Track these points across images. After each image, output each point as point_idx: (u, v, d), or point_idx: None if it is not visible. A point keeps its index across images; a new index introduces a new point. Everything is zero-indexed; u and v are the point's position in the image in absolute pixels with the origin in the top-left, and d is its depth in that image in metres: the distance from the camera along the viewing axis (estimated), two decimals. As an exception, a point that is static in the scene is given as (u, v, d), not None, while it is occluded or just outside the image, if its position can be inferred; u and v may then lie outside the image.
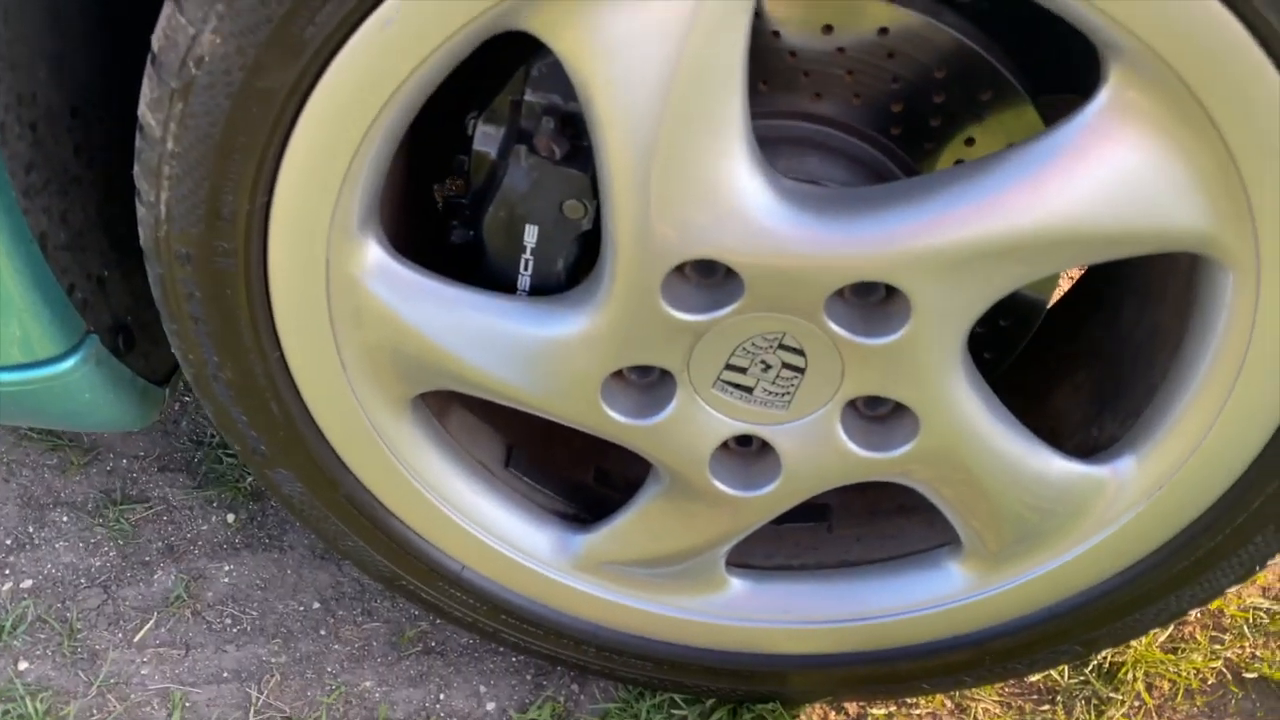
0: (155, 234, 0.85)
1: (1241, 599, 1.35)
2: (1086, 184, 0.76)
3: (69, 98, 0.94)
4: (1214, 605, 1.33)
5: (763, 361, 0.91)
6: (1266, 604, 1.34)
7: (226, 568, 1.42)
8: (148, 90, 0.78)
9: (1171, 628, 1.32)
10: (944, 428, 0.92)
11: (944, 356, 0.87)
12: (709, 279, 0.87)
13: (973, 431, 0.93)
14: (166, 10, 0.74)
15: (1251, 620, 1.33)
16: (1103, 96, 0.73)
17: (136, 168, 0.82)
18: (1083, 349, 1.13)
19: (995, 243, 0.79)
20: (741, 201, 0.79)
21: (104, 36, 0.97)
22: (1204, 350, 0.87)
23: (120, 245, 1.04)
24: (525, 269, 0.93)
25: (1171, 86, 0.70)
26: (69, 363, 1.00)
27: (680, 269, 0.85)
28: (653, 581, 1.13)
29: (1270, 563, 0.98)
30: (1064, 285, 1.54)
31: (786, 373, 0.91)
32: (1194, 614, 1.33)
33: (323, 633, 1.35)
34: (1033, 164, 0.77)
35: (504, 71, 0.91)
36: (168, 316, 0.92)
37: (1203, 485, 0.94)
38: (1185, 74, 0.69)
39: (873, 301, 0.87)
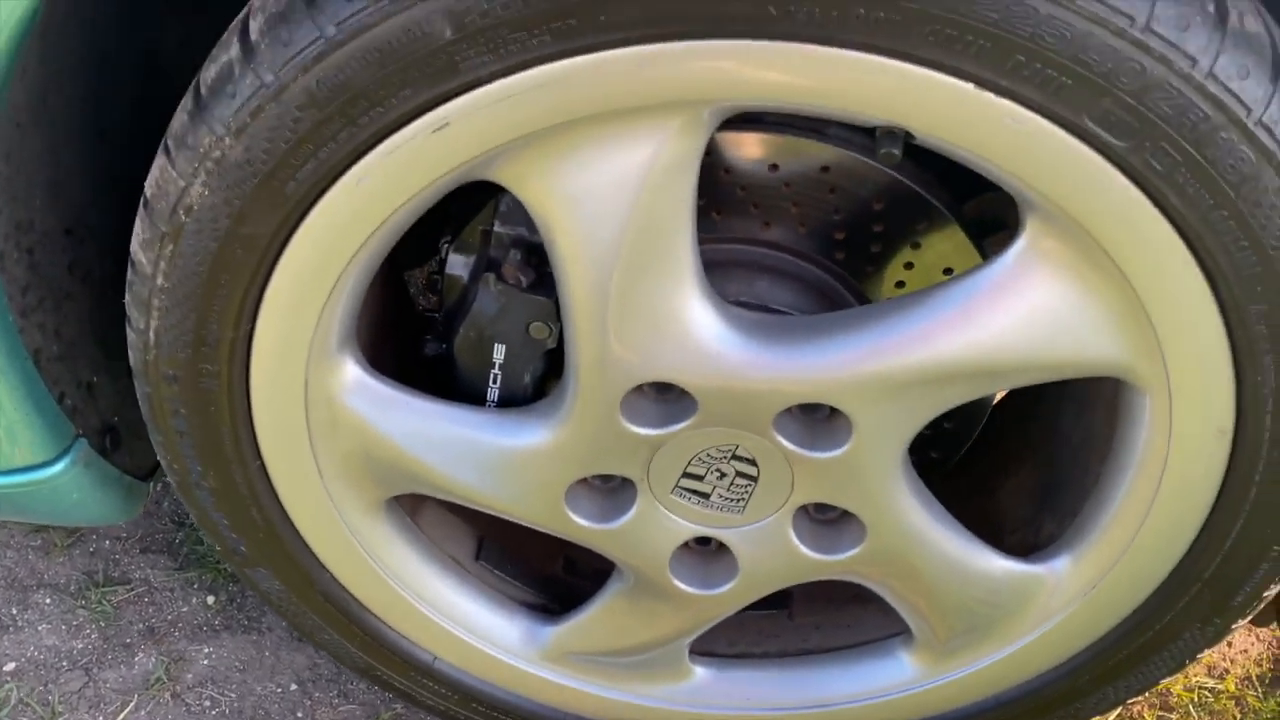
0: (144, 357, 0.90)
1: (1188, 678, 1.40)
2: (1008, 319, 0.83)
3: (63, 219, 1.00)
4: (1160, 685, 1.38)
5: (718, 470, 0.96)
6: (1211, 683, 1.39)
7: (206, 649, 1.45)
8: (140, 231, 0.83)
9: (1119, 707, 1.37)
10: (889, 532, 0.98)
11: (885, 469, 0.93)
12: (666, 396, 0.93)
13: (916, 535, 0.98)
14: (159, 162, 0.80)
15: (1197, 699, 1.38)
16: (1021, 242, 0.80)
17: (128, 298, 0.88)
18: (1026, 449, 1.19)
19: (927, 371, 0.85)
20: (692, 330, 0.85)
21: (97, 159, 1.03)
22: (1129, 461, 0.93)
23: (109, 350, 1.09)
24: (494, 383, 0.99)
25: (1079, 236, 0.77)
26: (58, 466, 1.05)
27: (639, 387, 0.91)
28: (619, 670, 1.18)
29: (1201, 656, 1.04)
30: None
31: (741, 481, 0.97)
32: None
33: (300, 715, 1.39)
34: (960, 299, 0.83)
35: (479, 200, 0.98)
36: (154, 430, 0.97)
37: (1132, 586, 1.00)
38: (1089, 227, 0.76)
39: (818, 419, 0.93)
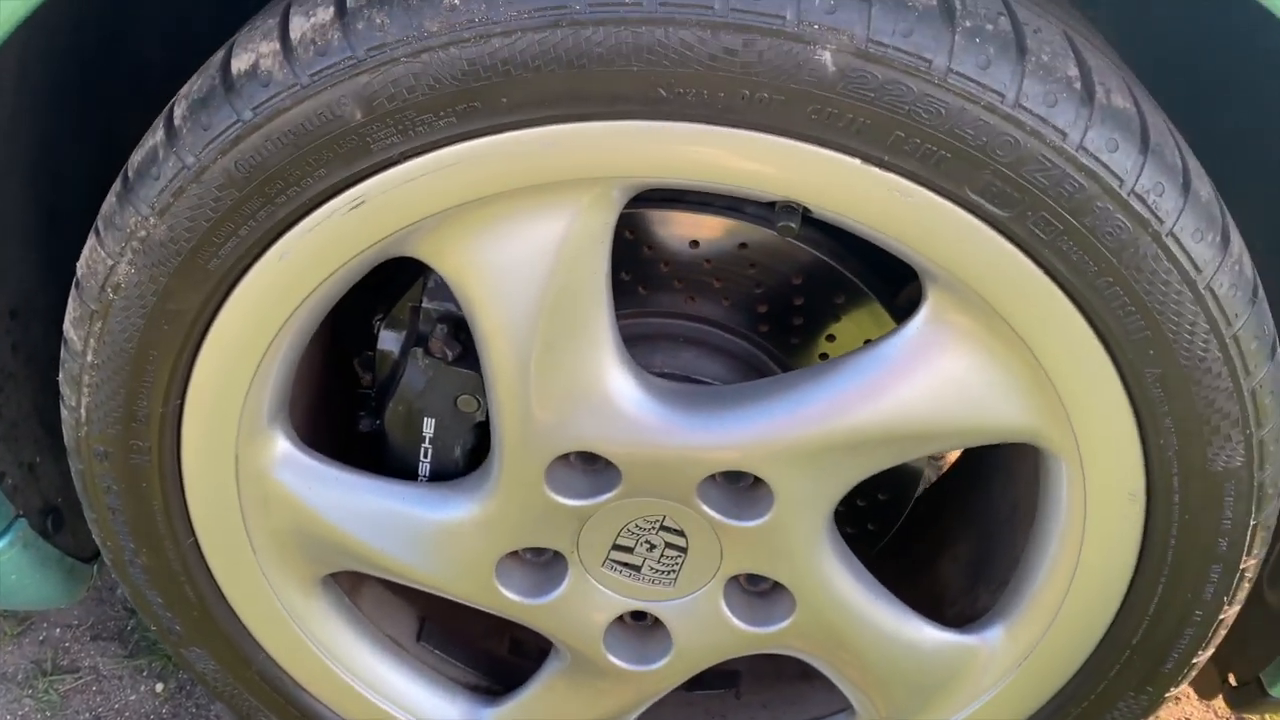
0: (76, 434, 0.92)
1: (1145, 756, 1.38)
2: (918, 386, 0.85)
3: (9, 301, 1.03)
4: (1118, 763, 1.36)
5: (648, 541, 0.97)
6: (1169, 759, 1.38)
7: (154, 738, 1.43)
8: (71, 309, 0.86)
9: (1078, 787, 1.34)
10: (818, 602, 0.98)
11: (809, 536, 0.94)
12: (591, 467, 0.94)
13: (845, 605, 0.99)
14: (90, 243, 0.83)
15: (1155, 777, 1.36)
16: (923, 313, 0.83)
17: (61, 375, 0.90)
18: (964, 523, 1.20)
19: (841, 437, 0.87)
20: (612, 398, 0.87)
21: (46, 243, 1.06)
22: (1051, 527, 0.95)
23: (53, 432, 1.11)
24: (425, 456, 1.00)
25: (978, 304, 0.80)
26: (-4, 546, 1.05)
27: (565, 458, 0.93)
28: (562, 751, 1.16)
29: (1140, 726, 1.03)
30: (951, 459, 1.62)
31: (670, 552, 0.98)
32: (1099, 772, 1.36)
33: (243, 806, 1.36)
34: (870, 368, 0.85)
35: (410, 279, 1.00)
36: (88, 507, 0.98)
37: (1065, 654, 1.00)
38: (986, 295, 0.78)
39: (741, 487, 0.94)
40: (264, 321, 0.84)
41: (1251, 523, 0.87)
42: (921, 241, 0.76)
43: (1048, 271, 0.77)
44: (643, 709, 1.12)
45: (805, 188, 0.75)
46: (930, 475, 1.59)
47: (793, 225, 0.77)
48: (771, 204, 0.79)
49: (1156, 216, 0.73)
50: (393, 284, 1.01)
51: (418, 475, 1.02)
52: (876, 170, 0.73)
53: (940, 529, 1.23)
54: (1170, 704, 1.45)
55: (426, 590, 1.02)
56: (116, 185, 0.80)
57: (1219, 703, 1.44)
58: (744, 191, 0.77)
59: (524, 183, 0.76)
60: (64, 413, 0.92)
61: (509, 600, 1.01)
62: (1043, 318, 0.79)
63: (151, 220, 0.78)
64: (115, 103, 1.06)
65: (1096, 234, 0.73)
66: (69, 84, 1.00)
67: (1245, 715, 1.41)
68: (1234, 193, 0.82)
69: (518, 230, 0.80)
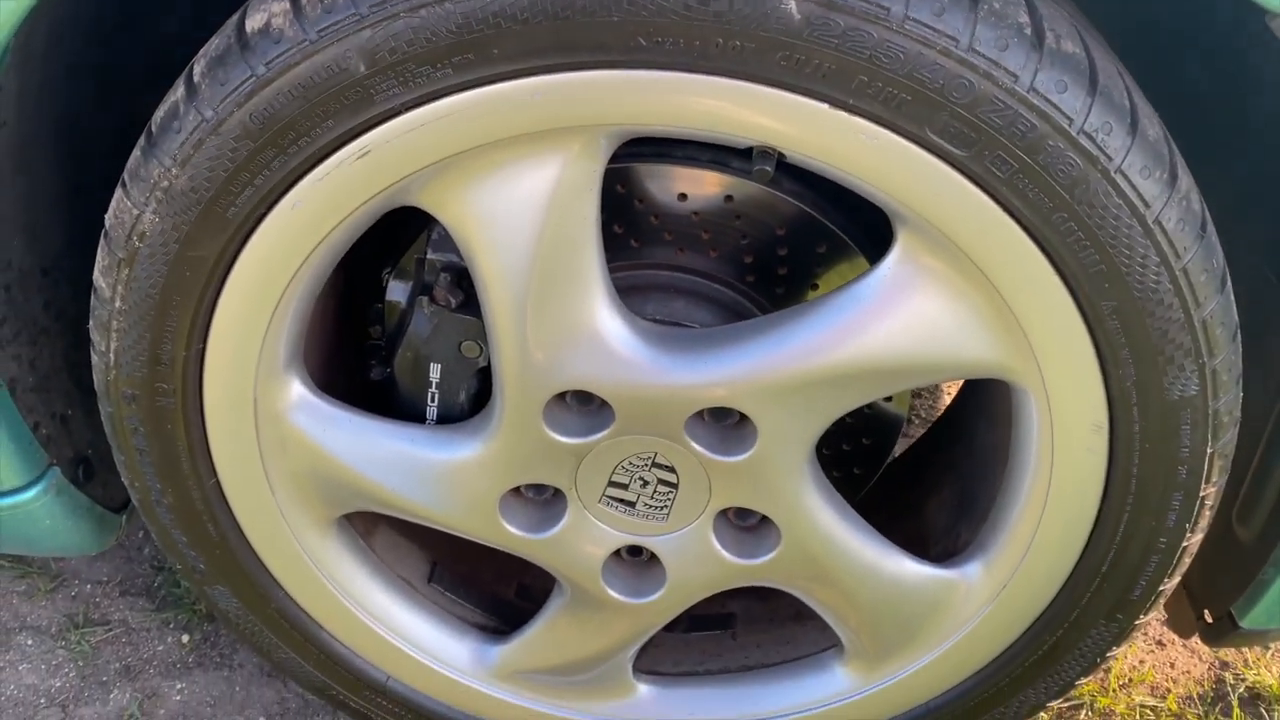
0: (105, 378, 0.98)
1: (1130, 697, 1.43)
2: (889, 324, 0.90)
3: (40, 260, 1.09)
4: (1103, 703, 1.42)
5: (641, 479, 1.03)
6: (1153, 701, 1.42)
7: (179, 686, 1.50)
8: (100, 258, 0.92)
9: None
10: (801, 535, 1.04)
11: (792, 470, 0.99)
12: (586, 407, 1.00)
13: (828, 537, 1.04)
14: (117, 195, 0.89)
15: (1139, 717, 1.41)
16: (893, 254, 0.88)
17: (91, 322, 0.97)
18: (949, 467, 1.26)
19: (819, 374, 0.92)
20: (603, 340, 0.93)
21: (73, 209, 1.13)
22: (1024, 461, 1.00)
23: (84, 386, 1.18)
24: (432, 401, 1.06)
25: (944, 243, 0.85)
26: (31, 493, 1.12)
27: (562, 399, 0.99)
28: (566, 689, 1.23)
29: (1111, 655, 1.08)
30: (941, 407, 1.67)
31: (662, 488, 1.03)
32: (1085, 712, 1.41)
33: (266, 747, 1.43)
34: (843, 309, 0.91)
35: (416, 233, 1.07)
36: (116, 449, 1.05)
37: (1038, 585, 1.05)
38: (950, 234, 0.84)
39: (728, 424, 1.00)
40: (279, 268, 0.91)
41: (1209, 450, 0.92)
42: (887, 182, 0.82)
43: (1006, 209, 0.82)
44: (640, 642, 1.17)
45: (778, 132, 0.80)
46: (918, 427, 1.64)
47: (768, 169, 0.83)
48: (749, 151, 0.85)
49: (1105, 154, 0.78)
50: (400, 239, 1.07)
51: (425, 419, 1.08)
52: (843, 114, 0.78)
53: (926, 475, 1.29)
54: (1155, 649, 1.50)
55: (436, 528, 1.09)
56: (141, 140, 0.87)
57: (1202, 648, 1.49)
58: (721, 137, 0.82)
59: (516, 131, 0.82)
60: (94, 358, 0.99)
61: (512, 535, 1.07)
62: (1004, 255, 0.84)
63: (174, 171, 0.84)
64: (136, 76, 1.12)
65: (1050, 171, 0.79)
66: (94, 55, 1.07)
67: (1222, 650, 1.45)
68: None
69: (512, 178, 0.86)
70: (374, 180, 0.85)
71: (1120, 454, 0.94)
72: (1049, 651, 1.09)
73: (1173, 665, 1.47)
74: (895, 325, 0.90)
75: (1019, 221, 0.82)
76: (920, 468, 1.31)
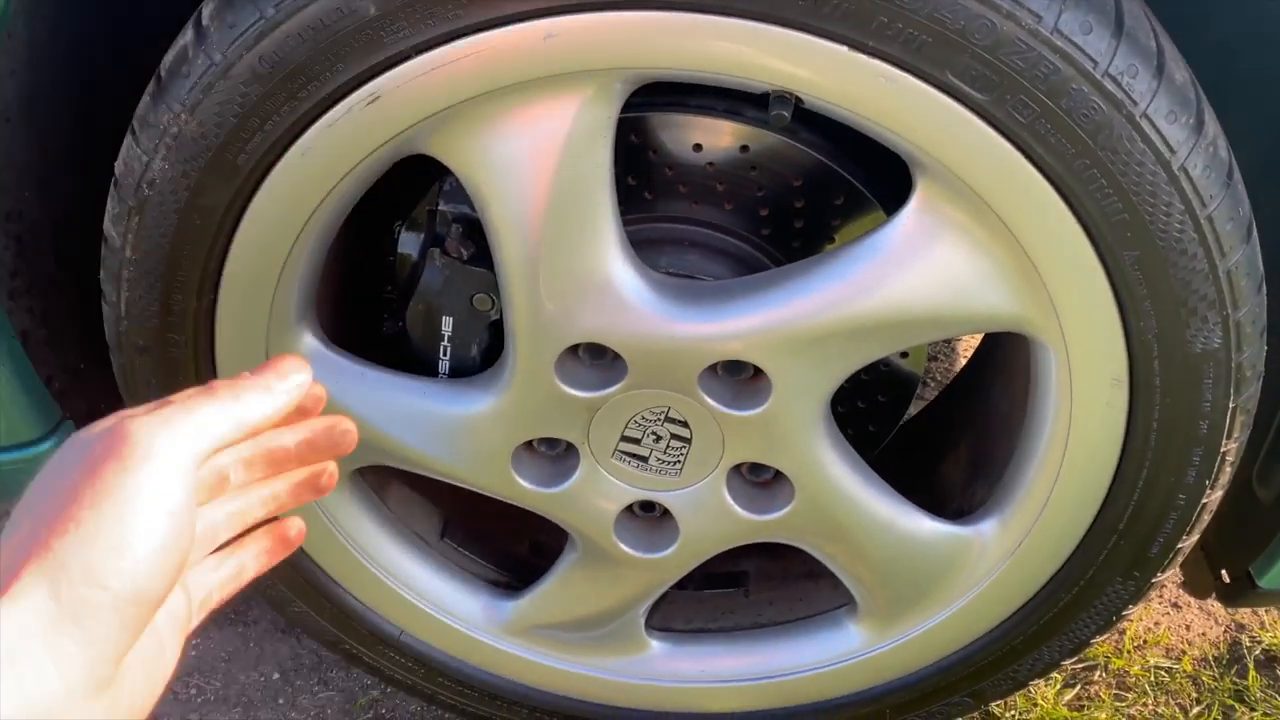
0: (117, 329, 0.98)
1: (1145, 659, 1.43)
2: (905, 276, 0.89)
3: (51, 212, 1.09)
4: (1117, 665, 1.41)
5: (653, 433, 1.02)
6: (1168, 664, 1.42)
7: (194, 641, 1.51)
8: (110, 207, 0.92)
9: (1078, 687, 1.40)
10: (815, 490, 1.03)
11: (806, 425, 0.99)
12: (599, 360, 0.99)
13: (842, 493, 1.04)
14: (126, 142, 0.88)
15: (1154, 679, 1.40)
16: (912, 203, 0.87)
17: (102, 273, 0.96)
18: (965, 425, 1.25)
19: (835, 326, 0.91)
20: (616, 291, 0.92)
21: (85, 160, 1.12)
22: (1041, 417, 0.99)
23: (98, 340, 1.17)
24: (444, 354, 1.06)
25: (963, 191, 0.83)
26: (44, 446, 1.12)
27: (574, 351, 0.98)
28: (579, 644, 1.23)
29: (1127, 614, 1.08)
30: (959, 365, 1.65)
31: (675, 443, 1.03)
32: (1099, 673, 1.41)
33: (281, 701, 1.44)
34: (860, 260, 0.90)
35: (427, 185, 1.05)
36: (129, 401, 1.05)
37: (1054, 542, 1.04)
38: (969, 181, 0.82)
39: (742, 378, 0.99)
40: (289, 217, 0.90)
41: (1230, 405, 0.91)
42: (907, 128, 0.80)
43: (1028, 155, 0.80)
44: (653, 598, 1.17)
45: (796, 76, 0.79)
46: (933, 386, 1.63)
47: (785, 115, 0.81)
48: (766, 99, 0.83)
49: (1130, 98, 0.76)
50: (412, 190, 1.06)
51: (438, 372, 1.08)
52: (862, 57, 0.77)
53: (942, 434, 1.28)
54: (1170, 612, 1.49)
55: (448, 481, 1.08)
56: (150, 85, 0.86)
57: (1218, 611, 1.48)
58: (738, 82, 0.81)
59: (529, 75, 0.81)
60: (105, 309, 0.98)
61: (524, 489, 1.06)
62: (1025, 202, 0.83)
63: (183, 117, 0.84)
64: (148, 22, 1.11)
65: (1073, 116, 0.77)
66: (104, 1, 1.06)
67: (1239, 611, 1.44)
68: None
69: (524, 124, 0.85)
70: (384, 127, 0.84)
71: (1140, 408, 0.93)
72: (1064, 609, 1.08)
73: (1188, 627, 1.46)
74: (913, 276, 0.89)
75: (1040, 168, 0.81)
76: (936, 427, 1.30)
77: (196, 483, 0.53)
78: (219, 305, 0.96)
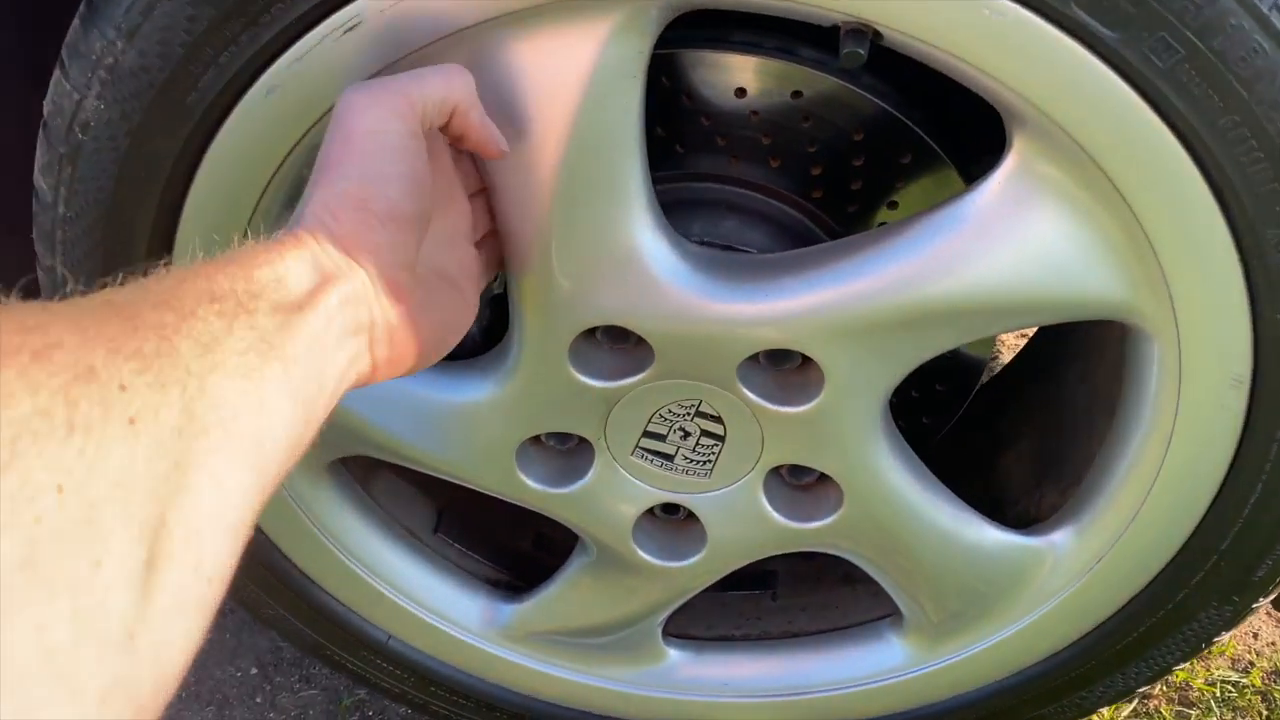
0: (54, 299, 0.83)
1: (1209, 671, 1.30)
2: (993, 252, 0.74)
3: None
4: (1180, 677, 1.29)
5: (681, 429, 0.88)
6: (1234, 676, 1.29)
7: (166, 631, 1.39)
8: (40, 154, 0.77)
9: (1135, 701, 1.27)
10: (868, 498, 0.89)
11: (862, 425, 0.84)
12: (620, 345, 0.85)
13: (898, 501, 0.90)
14: (55, 77, 0.73)
15: (1219, 694, 1.28)
16: (1007, 164, 0.71)
17: (34, 232, 0.81)
18: (1027, 418, 1.10)
19: (905, 312, 0.76)
20: (643, 266, 0.77)
21: (28, 96, 0.97)
22: (1136, 418, 0.84)
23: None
24: (439, 333, 0.91)
25: (1071, 152, 0.68)
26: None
27: (591, 334, 0.83)
28: (587, 652, 1.10)
29: (1219, 640, 0.94)
30: (1014, 349, 1.51)
31: (706, 440, 0.89)
32: (1159, 688, 1.28)
33: (259, 700, 1.32)
34: (939, 233, 0.75)
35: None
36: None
37: (1141, 560, 0.91)
38: (1081, 140, 0.67)
39: (788, 369, 0.84)
40: (253, 169, 0.75)
41: (1371, 415, 0.76)
42: (1014, 73, 0.65)
43: (1159, 110, 0.65)
44: (673, 608, 1.04)
45: (875, 6, 0.63)
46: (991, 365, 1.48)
47: (860, 52, 0.66)
48: (827, 36, 0.68)
49: (1303, 38, 0.61)
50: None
51: (431, 353, 0.93)
52: (964, -20, 0.61)
53: (1002, 423, 1.13)
54: (1237, 618, 1.36)
55: (444, 477, 0.94)
56: (81, 7, 0.70)
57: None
58: (802, 12, 0.65)
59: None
60: (40, 275, 0.84)
61: (531, 489, 0.92)
62: (1148, 166, 0.68)
63: (119, 45, 0.68)
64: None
65: (1227, 60, 0.61)
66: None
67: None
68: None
69: (537, 60, 0.69)
70: (366, 62, 0.69)
71: (1260, 414, 0.78)
72: (1146, 633, 0.95)
73: (1256, 636, 1.33)
74: (1002, 253, 0.74)
75: (1172, 126, 0.65)
76: (992, 416, 1.16)
77: (417, 124, 0.61)
78: (172, 273, 0.81)
